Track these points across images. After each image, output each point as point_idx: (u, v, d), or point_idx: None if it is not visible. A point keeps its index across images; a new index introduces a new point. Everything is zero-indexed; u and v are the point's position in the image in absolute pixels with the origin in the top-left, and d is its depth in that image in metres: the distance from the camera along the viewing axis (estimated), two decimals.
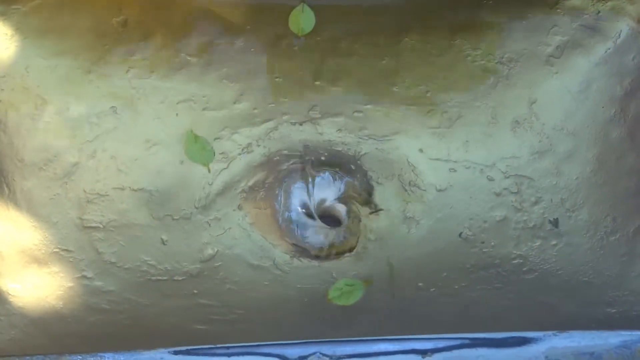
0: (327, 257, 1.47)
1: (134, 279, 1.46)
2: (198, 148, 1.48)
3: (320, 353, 1.20)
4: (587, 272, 1.47)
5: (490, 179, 1.50)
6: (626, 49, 1.51)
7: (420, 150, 1.51)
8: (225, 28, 1.52)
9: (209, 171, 1.48)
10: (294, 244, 1.47)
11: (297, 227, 1.48)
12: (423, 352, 1.21)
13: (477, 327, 1.29)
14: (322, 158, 1.51)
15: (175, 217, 1.48)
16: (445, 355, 1.21)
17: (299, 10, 1.50)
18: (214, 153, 1.49)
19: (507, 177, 1.50)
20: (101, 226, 1.47)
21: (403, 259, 1.47)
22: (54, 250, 1.46)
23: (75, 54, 1.50)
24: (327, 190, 1.50)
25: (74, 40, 1.50)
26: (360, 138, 1.52)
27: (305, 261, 1.47)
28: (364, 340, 1.21)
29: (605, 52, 1.52)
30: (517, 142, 1.51)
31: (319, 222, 1.48)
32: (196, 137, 1.48)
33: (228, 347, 1.20)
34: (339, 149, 1.51)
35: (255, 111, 1.52)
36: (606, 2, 1.50)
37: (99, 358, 1.20)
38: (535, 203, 1.49)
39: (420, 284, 1.46)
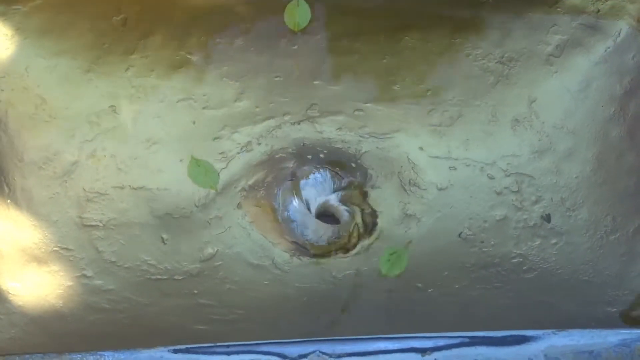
0: (327, 255, 1.47)
1: (133, 278, 1.45)
2: (202, 172, 1.48)
3: (320, 351, 1.20)
4: (587, 271, 1.46)
5: (491, 178, 1.50)
6: (626, 47, 1.51)
7: (421, 149, 1.51)
8: (225, 27, 1.52)
9: (217, 191, 1.48)
10: (293, 242, 1.47)
11: (297, 225, 1.48)
12: (422, 351, 1.20)
13: (477, 326, 1.29)
14: (321, 156, 1.51)
15: (175, 216, 1.48)
16: (444, 354, 1.20)
17: (294, 4, 1.50)
18: (218, 174, 1.49)
19: (508, 176, 1.50)
20: (101, 225, 1.47)
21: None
22: (54, 249, 1.46)
23: (74, 53, 1.50)
24: (326, 189, 1.50)
25: (73, 39, 1.50)
26: (361, 136, 1.52)
27: (305, 260, 1.47)
28: (363, 338, 1.21)
29: (605, 51, 1.52)
30: (517, 141, 1.51)
31: (317, 221, 1.48)
32: (198, 161, 1.48)
33: (228, 346, 1.20)
34: (339, 146, 1.51)
35: (256, 110, 1.52)
36: (606, 1, 1.50)
37: (98, 357, 1.20)
38: (536, 202, 1.49)
39: (419, 284, 1.46)
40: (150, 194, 1.49)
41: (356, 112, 1.52)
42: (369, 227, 1.49)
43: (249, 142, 1.51)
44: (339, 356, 1.20)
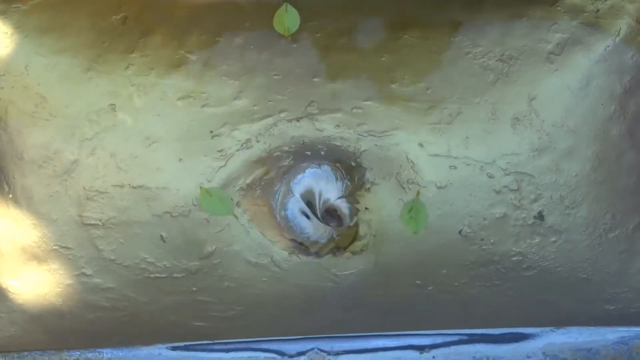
0: (326, 253, 1.47)
1: (133, 276, 1.46)
2: (215, 201, 1.48)
3: (318, 349, 1.20)
4: (586, 269, 1.46)
5: (490, 176, 1.50)
6: (626, 46, 1.51)
7: (420, 147, 1.51)
8: (224, 25, 1.52)
9: (237, 218, 1.48)
10: (292, 240, 1.47)
11: (295, 224, 1.48)
12: (421, 348, 1.21)
13: (476, 324, 1.29)
14: (321, 153, 1.51)
15: (174, 215, 1.48)
16: (443, 351, 1.21)
17: (282, 10, 1.50)
18: (232, 199, 1.49)
19: (507, 174, 1.50)
20: (100, 223, 1.47)
21: (402, 256, 1.47)
22: (54, 247, 1.46)
23: (74, 52, 1.51)
24: (323, 187, 1.50)
25: (73, 38, 1.50)
26: (360, 134, 1.52)
27: (304, 258, 1.47)
28: (361, 336, 1.21)
29: (605, 49, 1.52)
30: (517, 139, 1.51)
31: (316, 220, 1.49)
32: (208, 191, 1.48)
33: (226, 343, 1.20)
34: (338, 144, 1.51)
35: (255, 108, 1.52)
36: (605, 1, 1.51)
37: (97, 354, 1.20)
38: (535, 200, 1.49)
39: (418, 282, 1.46)
40: (149, 193, 1.49)
41: (355, 110, 1.52)
42: (369, 224, 1.49)
43: (248, 140, 1.51)
44: (337, 353, 1.21)
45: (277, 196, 1.49)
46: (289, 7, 1.50)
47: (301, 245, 1.48)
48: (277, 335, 1.24)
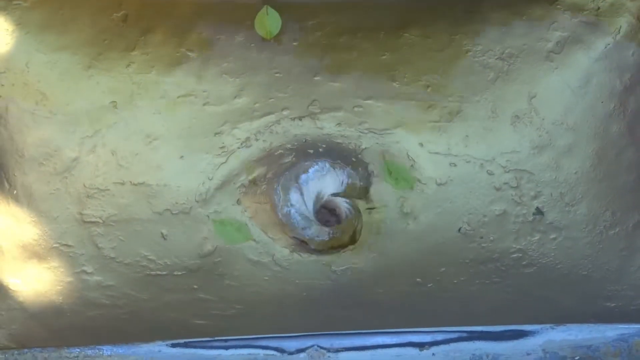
0: (327, 251, 1.47)
1: (133, 274, 1.46)
2: (232, 230, 1.48)
3: (318, 346, 1.20)
4: (586, 266, 1.47)
5: (490, 173, 1.50)
6: (626, 44, 1.51)
7: (420, 145, 1.51)
8: (225, 23, 1.52)
9: (255, 241, 1.48)
10: (294, 237, 1.47)
11: (297, 221, 1.48)
12: (420, 345, 1.21)
13: (476, 321, 1.29)
14: (321, 151, 1.51)
15: (174, 212, 1.48)
16: (442, 349, 1.21)
17: (263, 13, 1.50)
18: (247, 224, 1.49)
19: (507, 172, 1.50)
20: (101, 221, 1.47)
21: (402, 254, 1.47)
22: (54, 245, 1.46)
23: (75, 49, 1.51)
24: (325, 184, 1.50)
25: (74, 35, 1.50)
26: (361, 132, 1.52)
27: (305, 256, 1.47)
28: (361, 333, 1.21)
29: (605, 47, 1.52)
30: (517, 137, 1.51)
31: (316, 220, 1.49)
32: (222, 222, 1.48)
33: (226, 340, 1.20)
34: (339, 142, 1.51)
35: (255, 106, 1.52)
36: None
37: (97, 351, 1.20)
38: (535, 197, 1.49)
39: (419, 279, 1.46)
40: (150, 190, 1.49)
41: (356, 109, 1.52)
42: (368, 222, 1.49)
43: (249, 138, 1.51)
44: (337, 350, 1.21)
45: (278, 194, 1.49)
46: (270, 9, 1.50)
47: (302, 243, 1.48)
48: (277, 333, 1.24)
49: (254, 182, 1.50)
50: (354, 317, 1.42)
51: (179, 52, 1.52)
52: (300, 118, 1.52)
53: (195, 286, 1.45)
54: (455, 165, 1.50)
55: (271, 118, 1.52)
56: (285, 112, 1.52)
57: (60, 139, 1.49)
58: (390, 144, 1.51)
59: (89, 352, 1.21)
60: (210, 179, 1.50)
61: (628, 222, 1.48)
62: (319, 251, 1.47)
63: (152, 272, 1.45)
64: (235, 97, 1.52)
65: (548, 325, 1.22)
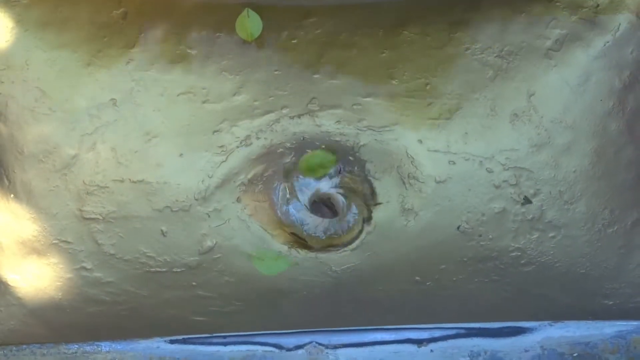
0: (326, 248, 1.47)
1: (133, 271, 1.46)
2: (271, 262, 1.48)
3: (316, 342, 1.20)
4: (584, 264, 1.47)
5: (489, 171, 1.50)
6: (625, 42, 1.51)
7: (419, 142, 1.51)
8: (225, 20, 1.52)
9: (297, 264, 1.48)
10: (292, 234, 1.47)
11: (296, 218, 1.48)
12: (419, 342, 1.21)
13: (475, 319, 1.29)
14: (322, 148, 1.51)
15: (174, 209, 1.48)
16: (440, 345, 1.21)
17: (244, 16, 1.50)
18: (281, 253, 1.49)
19: (506, 169, 1.50)
20: (101, 218, 1.48)
21: (401, 252, 1.47)
22: (54, 241, 1.46)
23: (75, 46, 1.51)
24: (323, 182, 1.51)
25: (73, 32, 1.51)
26: (359, 130, 1.52)
27: (303, 253, 1.47)
28: (359, 329, 1.21)
29: (604, 45, 1.52)
30: (515, 135, 1.52)
31: (314, 215, 1.49)
32: (259, 256, 1.47)
33: (224, 337, 1.21)
34: (338, 139, 1.51)
35: (255, 104, 1.53)
36: None
37: (95, 347, 1.21)
38: (534, 195, 1.50)
39: (417, 277, 1.46)
40: (149, 187, 1.49)
41: (355, 106, 1.52)
42: (367, 219, 1.50)
43: (248, 136, 1.51)
44: (335, 347, 1.21)
45: (277, 191, 1.50)
46: (251, 12, 1.50)
47: (301, 240, 1.48)
48: (276, 329, 1.24)
49: (252, 181, 1.50)
50: (352, 315, 1.42)
51: (179, 49, 1.52)
52: (299, 116, 1.52)
53: (194, 283, 1.45)
54: (454, 163, 1.50)
55: (271, 116, 1.52)
56: (284, 110, 1.52)
57: (59, 136, 1.49)
58: (389, 142, 1.51)
59: (88, 348, 1.21)
60: (210, 177, 1.50)
61: (627, 220, 1.48)
62: (317, 248, 1.47)
63: (151, 269, 1.46)
64: (234, 95, 1.52)
65: (546, 322, 1.22)
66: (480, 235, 1.48)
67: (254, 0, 1.51)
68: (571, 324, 1.22)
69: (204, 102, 1.53)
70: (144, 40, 1.52)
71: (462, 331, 1.22)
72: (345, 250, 1.48)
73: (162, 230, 1.48)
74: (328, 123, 1.52)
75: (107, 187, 1.49)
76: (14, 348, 1.22)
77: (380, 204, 1.50)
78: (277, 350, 1.21)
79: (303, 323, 1.35)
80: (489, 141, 1.52)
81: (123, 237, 1.47)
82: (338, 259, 1.48)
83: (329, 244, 1.48)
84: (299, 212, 1.49)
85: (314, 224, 1.48)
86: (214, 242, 1.48)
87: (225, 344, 1.21)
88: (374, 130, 1.52)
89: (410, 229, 1.49)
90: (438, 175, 1.51)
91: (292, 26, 1.53)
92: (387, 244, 1.48)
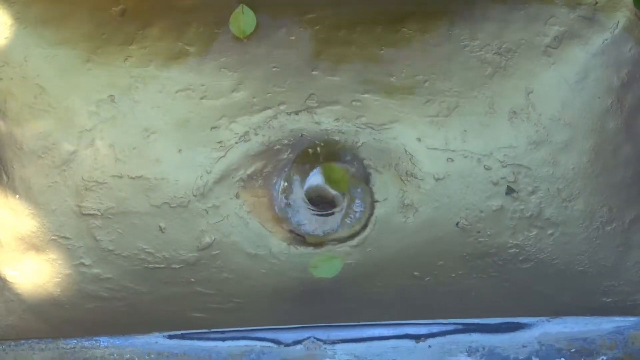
0: (324, 245, 1.47)
1: (131, 267, 1.46)
2: (325, 265, 1.48)
3: (315, 338, 1.20)
4: (582, 261, 1.47)
5: (488, 168, 1.50)
6: (623, 40, 1.51)
7: (418, 140, 1.52)
8: (223, 17, 1.52)
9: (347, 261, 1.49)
10: (291, 231, 1.48)
11: (294, 215, 1.48)
12: (417, 337, 1.21)
13: (473, 315, 1.29)
14: (318, 148, 1.51)
15: (172, 205, 1.49)
16: (439, 340, 1.21)
17: (239, 12, 1.50)
18: (335, 255, 1.49)
19: (505, 167, 1.50)
20: (99, 214, 1.48)
21: (399, 248, 1.47)
22: (52, 237, 1.46)
23: (74, 43, 1.51)
24: (321, 178, 1.51)
25: (72, 29, 1.51)
26: (358, 127, 1.52)
27: (302, 249, 1.47)
28: (358, 325, 1.21)
29: (603, 43, 1.52)
30: (514, 132, 1.52)
31: (312, 209, 1.49)
32: (316, 265, 1.47)
33: (223, 332, 1.21)
34: (336, 138, 1.52)
35: (254, 100, 1.53)
36: None
37: (94, 342, 1.20)
38: (532, 193, 1.50)
39: (416, 273, 1.47)
40: (148, 184, 1.49)
41: (354, 103, 1.53)
42: (367, 216, 1.50)
43: (247, 132, 1.51)
44: (334, 342, 1.21)
45: (276, 188, 1.50)
46: (246, 8, 1.50)
47: (299, 237, 1.48)
48: (274, 325, 1.24)
49: (251, 177, 1.50)
50: (351, 310, 1.43)
51: (177, 46, 1.53)
52: (297, 112, 1.52)
53: (192, 279, 1.45)
54: (452, 161, 1.51)
55: (269, 112, 1.53)
56: (283, 107, 1.52)
57: (58, 133, 1.49)
58: (387, 139, 1.52)
59: (86, 343, 1.21)
60: (209, 173, 1.50)
61: (625, 218, 1.48)
62: (316, 245, 1.47)
63: (150, 265, 1.46)
64: (233, 91, 1.53)
65: (544, 318, 1.22)
66: (478, 232, 1.48)
67: None
68: (569, 319, 1.22)
69: (202, 98, 1.53)
70: (143, 37, 1.52)
71: (460, 327, 1.22)
72: (344, 247, 1.48)
73: (160, 227, 1.48)
74: (326, 120, 1.53)
75: (106, 183, 1.49)
76: (13, 343, 1.22)
77: (377, 201, 1.50)
78: (275, 346, 1.21)
79: (300, 318, 1.35)
80: (488, 138, 1.52)
81: (121, 233, 1.48)
82: (336, 255, 1.48)
83: (327, 240, 1.48)
84: (297, 208, 1.49)
85: (313, 220, 1.48)
86: (213, 238, 1.48)
87: (223, 339, 1.21)
88: (373, 128, 1.52)
89: (409, 225, 1.49)
90: (437, 173, 1.51)
91: (290, 22, 1.53)
92: (386, 240, 1.48)
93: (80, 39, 1.51)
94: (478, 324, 1.21)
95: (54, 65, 1.50)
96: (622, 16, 1.51)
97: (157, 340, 1.21)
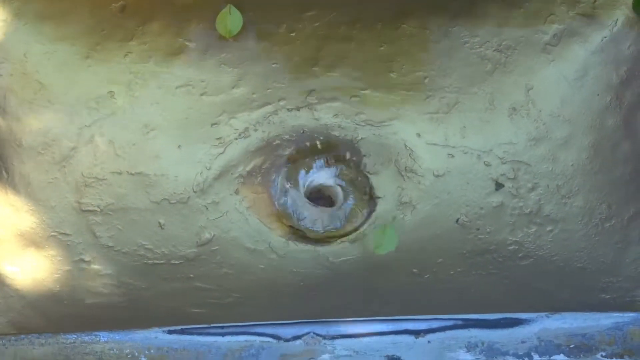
0: (323, 241, 1.47)
1: (131, 263, 1.46)
2: (381, 237, 1.48)
3: (314, 333, 1.21)
4: (582, 258, 1.47)
5: (487, 165, 1.50)
6: (622, 37, 1.52)
7: (418, 136, 1.52)
8: None
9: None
10: (290, 227, 1.48)
11: (294, 211, 1.49)
12: (416, 333, 1.21)
13: (472, 312, 1.29)
14: (318, 143, 1.52)
15: (172, 201, 1.49)
16: (438, 336, 1.21)
17: (226, 12, 1.50)
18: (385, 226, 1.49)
19: (504, 163, 1.51)
20: (99, 210, 1.48)
21: (399, 245, 1.47)
22: (52, 233, 1.46)
23: (73, 39, 1.51)
24: (321, 175, 1.51)
25: (72, 25, 1.51)
26: (357, 123, 1.52)
27: (301, 245, 1.47)
28: (357, 320, 1.21)
29: (602, 40, 1.52)
30: (513, 129, 1.52)
31: (311, 204, 1.49)
32: (377, 239, 1.47)
33: (222, 327, 1.21)
34: (336, 134, 1.52)
35: (253, 96, 1.53)
36: None
37: (94, 337, 1.21)
38: (532, 189, 1.50)
39: (415, 269, 1.47)
40: (148, 180, 1.50)
41: (353, 99, 1.53)
42: (366, 212, 1.50)
43: (247, 128, 1.51)
44: (333, 338, 1.21)
45: (276, 184, 1.50)
46: (233, 8, 1.50)
47: (299, 233, 1.48)
48: (274, 320, 1.24)
49: (250, 173, 1.50)
50: (350, 306, 1.43)
51: (177, 42, 1.53)
52: (297, 109, 1.52)
53: (192, 275, 1.45)
54: (452, 157, 1.51)
55: (269, 109, 1.53)
56: (282, 103, 1.52)
57: (58, 129, 1.50)
58: (387, 135, 1.52)
59: (86, 338, 1.21)
60: (208, 169, 1.50)
61: (623, 215, 1.48)
62: (316, 240, 1.47)
63: (149, 261, 1.46)
64: (233, 88, 1.53)
65: (543, 314, 1.22)
66: (478, 229, 1.48)
67: None
68: (568, 315, 1.22)
69: (202, 94, 1.53)
70: (143, 33, 1.52)
71: (460, 322, 1.22)
72: (343, 242, 1.48)
73: (160, 223, 1.48)
74: (326, 116, 1.53)
75: (105, 179, 1.49)
76: (13, 338, 1.22)
77: (379, 197, 1.51)
78: (274, 341, 1.21)
79: (300, 313, 1.35)
80: (487, 135, 1.52)
81: (121, 229, 1.48)
82: (336, 251, 1.48)
83: (327, 237, 1.48)
84: (297, 204, 1.49)
85: (312, 216, 1.49)
86: (212, 234, 1.48)
87: (223, 335, 1.21)
88: (372, 125, 1.52)
89: (409, 221, 1.50)
90: (436, 169, 1.51)
91: (291, 19, 1.53)
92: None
93: (80, 35, 1.51)
94: (477, 320, 1.22)
95: (53, 62, 1.50)
96: (621, 14, 1.51)
97: (157, 335, 1.21)
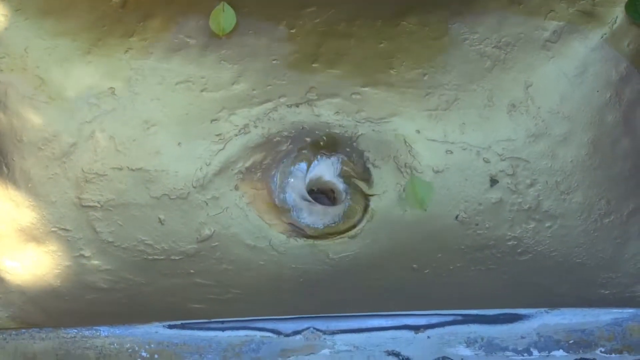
0: (323, 237, 1.48)
1: (131, 258, 1.46)
2: (417, 195, 1.48)
3: (314, 328, 1.21)
4: (580, 254, 1.47)
5: (486, 161, 1.50)
6: (622, 34, 1.52)
7: (417, 132, 1.52)
8: None
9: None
10: (290, 223, 1.48)
11: (293, 207, 1.49)
12: (416, 328, 1.21)
13: (471, 307, 1.30)
14: (318, 139, 1.52)
15: (172, 197, 1.49)
16: (437, 331, 1.21)
17: (219, 9, 1.50)
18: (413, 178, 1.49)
19: (503, 160, 1.51)
20: (99, 205, 1.48)
21: (398, 240, 1.48)
22: (52, 229, 1.46)
23: (74, 35, 1.51)
24: (321, 171, 1.51)
25: (73, 21, 1.51)
26: (357, 120, 1.52)
27: (301, 241, 1.48)
28: (357, 315, 1.22)
29: (602, 37, 1.52)
30: (513, 125, 1.52)
31: (312, 202, 1.50)
32: (415, 184, 1.48)
33: (222, 322, 1.21)
34: (336, 130, 1.52)
35: (253, 92, 1.53)
36: None
37: (94, 331, 1.21)
38: (531, 185, 1.50)
39: (415, 265, 1.47)
40: (148, 175, 1.50)
41: (353, 96, 1.53)
42: (366, 208, 1.50)
43: (247, 125, 1.52)
44: (333, 333, 1.21)
45: (275, 180, 1.50)
46: (226, 6, 1.50)
47: (299, 229, 1.48)
48: (274, 315, 1.25)
49: (250, 169, 1.50)
50: (350, 302, 1.43)
51: (178, 38, 1.53)
52: (297, 105, 1.53)
53: (192, 270, 1.46)
54: (451, 153, 1.51)
55: (269, 105, 1.53)
56: (283, 99, 1.53)
57: (58, 124, 1.50)
58: (387, 131, 1.52)
59: (86, 332, 1.21)
60: (208, 165, 1.50)
61: (622, 211, 1.49)
62: (315, 237, 1.48)
63: (149, 257, 1.46)
64: (233, 84, 1.53)
65: (542, 309, 1.23)
66: (477, 225, 1.49)
67: None
68: (567, 311, 1.23)
69: (202, 90, 1.53)
70: (143, 29, 1.53)
71: (459, 318, 1.23)
72: (343, 238, 1.48)
73: (160, 218, 1.48)
74: (326, 113, 1.53)
75: (106, 175, 1.50)
76: (13, 332, 1.22)
77: (376, 194, 1.51)
78: (275, 336, 1.21)
79: (300, 309, 1.36)
80: (487, 131, 1.52)
81: (121, 224, 1.48)
82: (336, 247, 1.48)
83: (325, 232, 1.48)
84: (297, 200, 1.49)
85: (312, 212, 1.49)
86: (212, 230, 1.48)
87: (223, 329, 1.21)
88: (372, 121, 1.52)
89: (408, 217, 1.50)
90: (436, 165, 1.51)
91: (290, 16, 1.53)
92: (385, 232, 1.49)
93: (80, 30, 1.51)
94: (477, 315, 1.22)
95: (54, 57, 1.50)
96: (620, 11, 1.51)
97: (157, 330, 1.21)
